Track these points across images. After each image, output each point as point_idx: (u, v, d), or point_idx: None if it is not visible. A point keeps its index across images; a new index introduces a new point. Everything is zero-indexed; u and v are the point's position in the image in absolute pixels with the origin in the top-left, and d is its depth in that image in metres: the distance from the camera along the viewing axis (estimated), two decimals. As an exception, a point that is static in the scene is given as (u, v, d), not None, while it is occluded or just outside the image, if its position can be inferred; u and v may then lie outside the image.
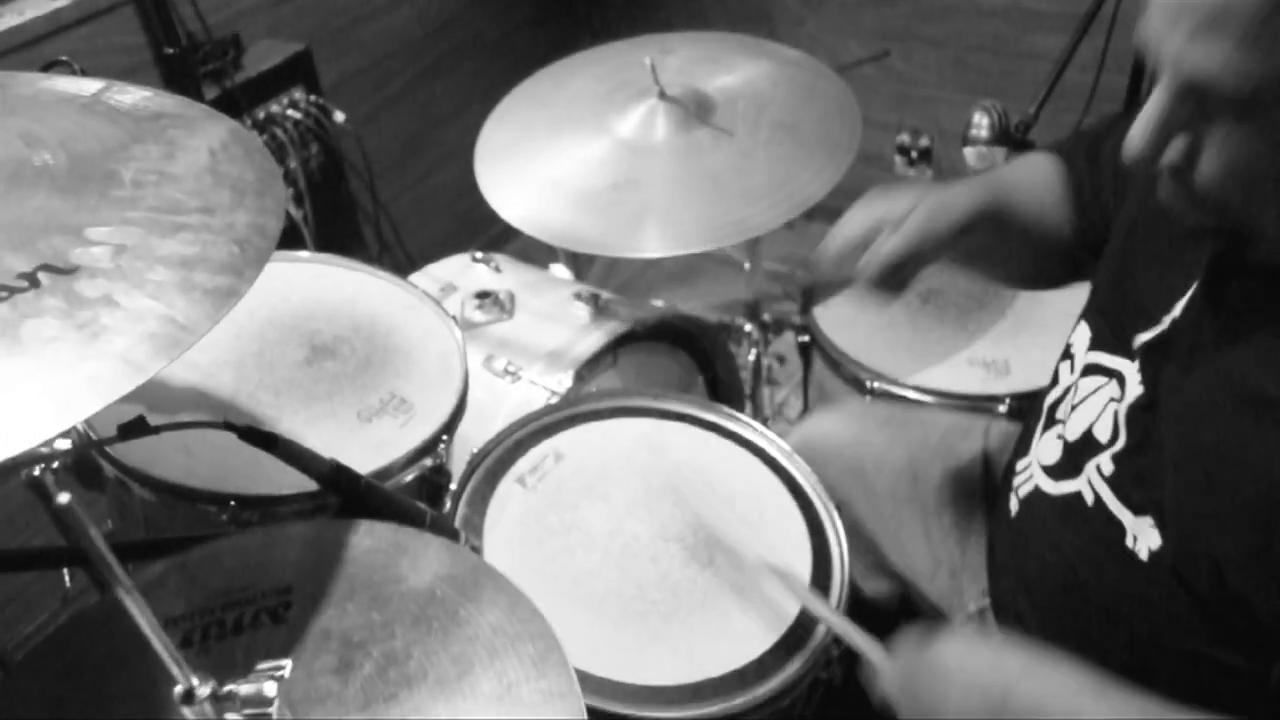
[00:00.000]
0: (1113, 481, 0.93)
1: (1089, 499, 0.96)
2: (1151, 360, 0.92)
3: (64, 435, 1.15)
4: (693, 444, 1.31)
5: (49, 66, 1.68)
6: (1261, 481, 0.78)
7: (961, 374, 1.55)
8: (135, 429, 0.89)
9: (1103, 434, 0.96)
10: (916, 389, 1.52)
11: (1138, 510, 0.90)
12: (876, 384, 1.55)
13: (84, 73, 1.69)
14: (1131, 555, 0.89)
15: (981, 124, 1.48)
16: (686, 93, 1.64)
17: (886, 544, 1.28)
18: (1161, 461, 0.87)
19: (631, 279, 2.84)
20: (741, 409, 1.40)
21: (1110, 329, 1.00)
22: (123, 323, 0.59)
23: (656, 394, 1.38)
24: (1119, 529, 0.91)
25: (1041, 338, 1.59)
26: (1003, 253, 1.15)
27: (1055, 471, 1.01)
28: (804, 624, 1.09)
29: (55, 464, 1.17)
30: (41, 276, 0.60)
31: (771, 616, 1.10)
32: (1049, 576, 1.00)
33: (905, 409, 1.41)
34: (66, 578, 1.44)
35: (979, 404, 1.48)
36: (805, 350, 1.73)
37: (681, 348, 1.85)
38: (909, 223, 1.03)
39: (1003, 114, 1.47)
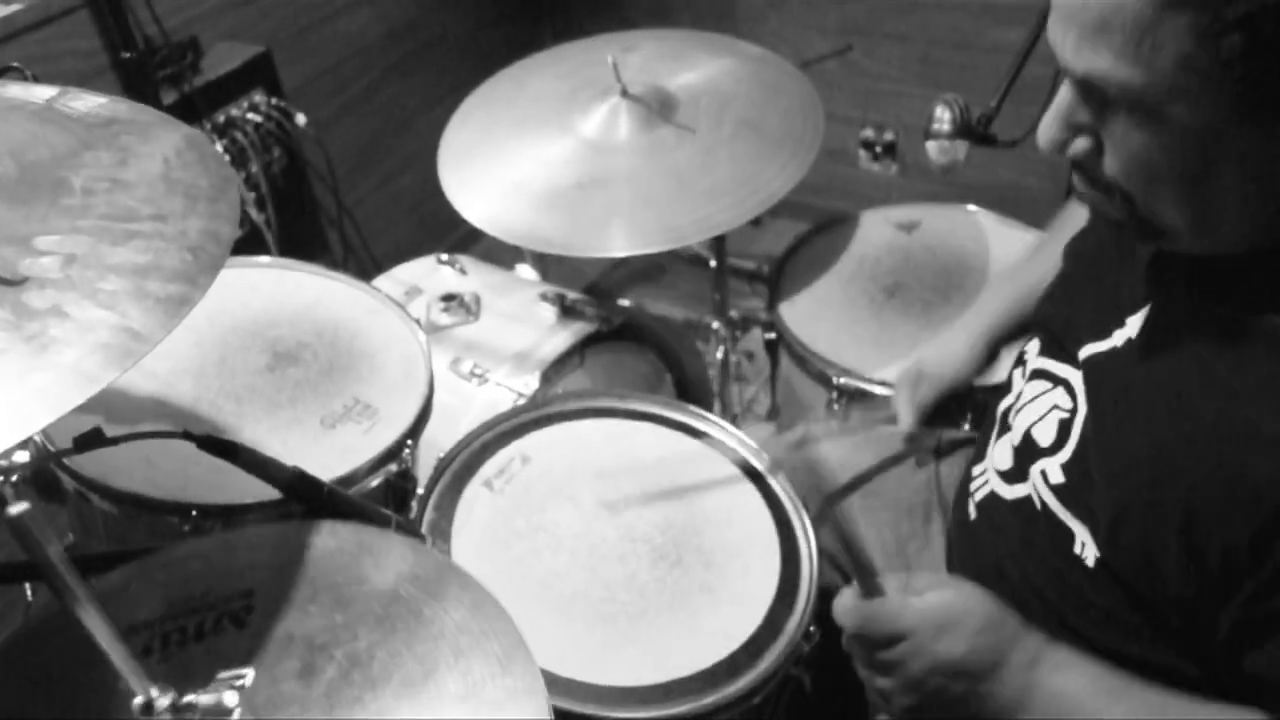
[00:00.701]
0: (1058, 490, 0.93)
1: (1037, 504, 0.96)
2: (1095, 372, 0.93)
3: (22, 447, 1.14)
4: (661, 444, 1.31)
5: (0, 74, 1.65)
6: (1193, 492, 0.79)
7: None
8: (91, 441, 0.88)
9: (1043, 439, 0.97)
10: (882, 384, 1.53)
11: (1079, 518, 0.91)
12: (843, 379, 1.56)
13: (36, 79, 1.67)
14: (1078, 560, 0.90)
15: (943, 118, 1.47)
16: (649, 91, 1.63)
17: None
18: (1101, 470, 0.88)
19: (598, 278, 2.84)
20: (710, 407, 1.39)
21: (1056, 340, 1.02)
22: (72, 334, 0.59)
23: (623, 394, 1.38)
24: (1067, 535, 0.92)
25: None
26: None
27: (1009, 476, 1.03)
28: (774, 621, 1.09)
29: (14, 477, 1.16)
30: (-12, 289, 0.59)
31: (741, 615, 1.10)
32: (1004, 579, 1.00)
33: (855, 424, 1.42)
34: (29, 592, 1.42)
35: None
36: (772, 347, 1.73)
37: (649, 347, 1.85)
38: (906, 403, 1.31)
39: (965, 108, 1.47)
